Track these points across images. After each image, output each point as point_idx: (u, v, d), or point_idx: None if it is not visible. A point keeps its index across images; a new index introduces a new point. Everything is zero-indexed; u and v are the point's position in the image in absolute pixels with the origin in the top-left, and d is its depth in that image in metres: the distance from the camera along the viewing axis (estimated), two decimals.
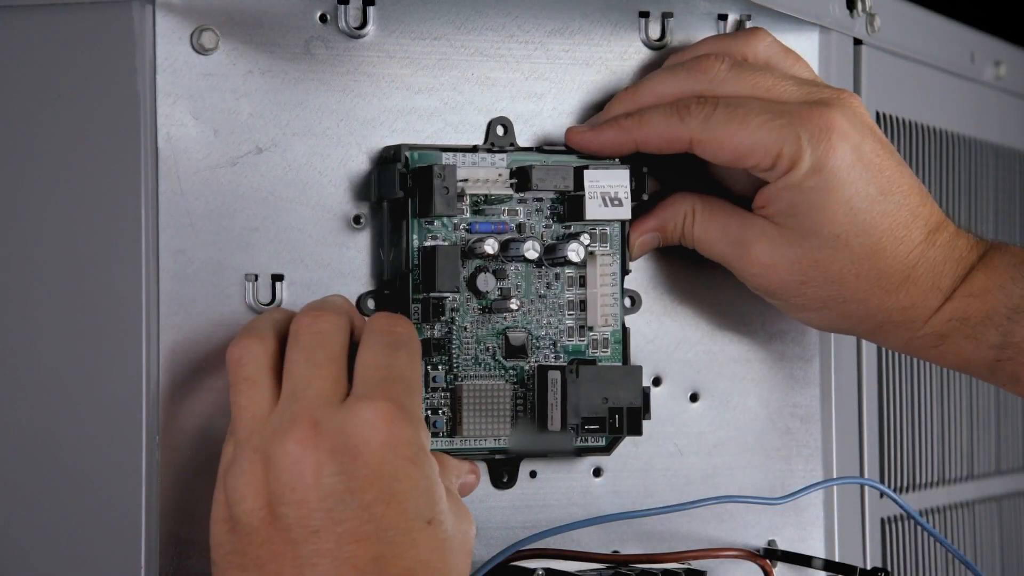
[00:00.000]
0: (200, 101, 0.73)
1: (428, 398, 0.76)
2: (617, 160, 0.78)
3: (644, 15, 0.81)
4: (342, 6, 0.75)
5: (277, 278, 0.75)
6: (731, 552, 0.81)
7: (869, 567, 0.89)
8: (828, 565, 0.82)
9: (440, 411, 0.76)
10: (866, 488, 0.90)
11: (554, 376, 0.76)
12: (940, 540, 0.84)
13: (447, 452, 0.75)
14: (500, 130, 0.78)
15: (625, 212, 0.77)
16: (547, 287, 0.78)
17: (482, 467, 0.78)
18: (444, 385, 0.76)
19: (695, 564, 0.80)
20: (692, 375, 0.82)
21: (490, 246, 0.76)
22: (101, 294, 0.73)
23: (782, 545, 0.84)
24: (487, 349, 0.77)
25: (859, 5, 0.90)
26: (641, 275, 0.81)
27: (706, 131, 0.77)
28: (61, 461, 0.73)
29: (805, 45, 0.85)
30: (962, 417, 1.05)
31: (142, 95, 0.72)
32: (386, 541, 0.66)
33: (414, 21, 0.77)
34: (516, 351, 0.77)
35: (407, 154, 0.75)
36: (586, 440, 0.78)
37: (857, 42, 0.91)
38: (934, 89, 1.03)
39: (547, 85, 0.79)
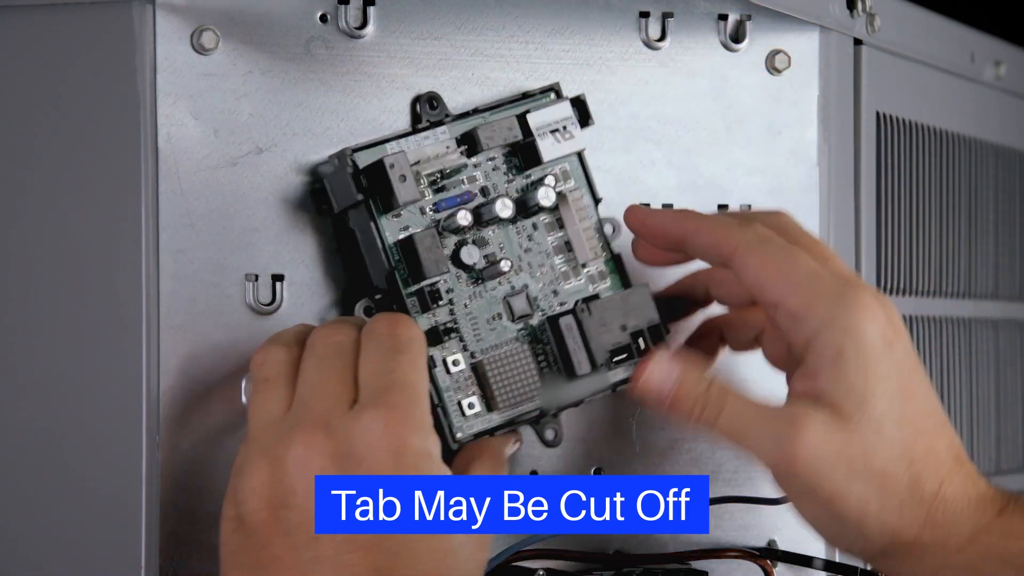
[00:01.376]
0: (200, 101, 0.73)
1: (455, 385, 0.75)
2: (554, 95, 0.78)
3: (644, 15, 0.81)
4: (342, 6, 0.75)
5: (277, 278, 0.75)
6: (731, 552, 0.81)
7: (869, 568, 0.89)
8: (828, 565, 0.82)
9: (471, 392, 0.75)
10: None
11: (567, 322, 0.76)
12: None
13: (491, 432, 0.75)
14: (429, 106, 0.78)
15: (579, 143, 0.77)
16: (529, 239, 0.77)
17: (528, 431, 0.78)
18: (466, 367, 0.75)
19: (696, 564, 0.80)
20: None
21: (463, 218, 0.75)
22: (101, 294, 0.73)
23: (782, 545, 0.84)
24: (493, 318, 0.76)
25: (859, 5, 0.89)
26: (643, 277, 0.81)
27: (757, 250, 0.73)
28: (61, 461, 0.73)
29: (805, 45, 0.85)
30: (962, 417, 1.05)
31: (142, 95, 0.72)
32: (385, 551, 0.66)
33: (414, 21, 0.77)
34: (521, 315, 0.76)
35: (352, 156, 0.74)
36: (616, 373, 0.77)
37: (857, 42, 0.91)
38: (934, 89, 1.03)
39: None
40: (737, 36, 0.83)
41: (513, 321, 0.76)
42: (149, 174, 0.72)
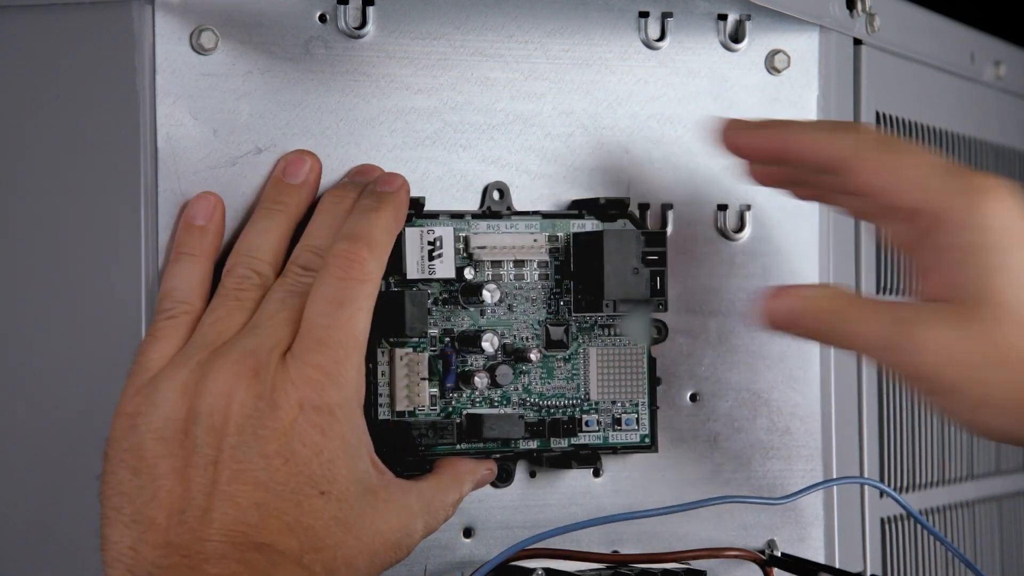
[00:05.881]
0: (200, 101, 0.73)
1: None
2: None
3: (644, 15, 0.81)
4: (342, 6, 0.75)
5: None
6: (731, 552, 0.81)
7: (870, 572, 0.89)
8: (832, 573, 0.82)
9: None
10: (866, 488, 0.90)
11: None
12: (941, 539, 0.84)
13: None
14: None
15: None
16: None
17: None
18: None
19: (695, 564, 0.80)
20: (692, 375, 0.82)
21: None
22: (101, 294, 0.73)
23: (782, 545, 0.84)
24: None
25: (859, 5, 0.90)
26: None
27: (869, 152, 0.71)
28: (61, 461, 0.73)
29: (805, 45, 0.85)
30: None
31: (142, 95, 0.72)
32: (273, 493, 0.67)
33: (414, 21, 0.77)
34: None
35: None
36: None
37: (857, 42, 0.91)
38: (934, 89, 1.03)
39: (547, 85, 0.79)
40: (737, 36, 0.83)
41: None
42: (148, 174, 0.73)
